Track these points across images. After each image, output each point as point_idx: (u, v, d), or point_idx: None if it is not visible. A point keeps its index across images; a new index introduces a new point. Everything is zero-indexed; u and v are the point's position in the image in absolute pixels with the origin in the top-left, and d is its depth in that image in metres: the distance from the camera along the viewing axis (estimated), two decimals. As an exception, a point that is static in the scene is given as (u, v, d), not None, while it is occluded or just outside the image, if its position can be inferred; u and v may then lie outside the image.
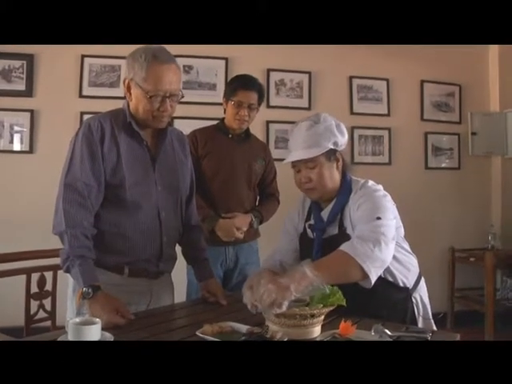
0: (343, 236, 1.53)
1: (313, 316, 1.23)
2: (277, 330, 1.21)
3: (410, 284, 1.61)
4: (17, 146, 3.43)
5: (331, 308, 1.26)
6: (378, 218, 1.46)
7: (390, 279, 1.56)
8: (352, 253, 1.36)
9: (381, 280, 1.46)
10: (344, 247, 1.40)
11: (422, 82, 4.11)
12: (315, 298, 1.26)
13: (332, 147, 1.59)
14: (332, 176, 1.60)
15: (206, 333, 1.23)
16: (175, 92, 1.53)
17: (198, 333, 1.24)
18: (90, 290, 1.39)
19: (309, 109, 3.76)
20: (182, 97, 1.58)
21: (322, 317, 1.28)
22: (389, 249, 1.42)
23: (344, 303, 1.25)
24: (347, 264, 1.36)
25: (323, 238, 1.60)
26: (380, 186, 1.63)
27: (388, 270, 1.52)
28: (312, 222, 1.67)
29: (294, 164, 1.61)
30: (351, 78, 3.95)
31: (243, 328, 1.24)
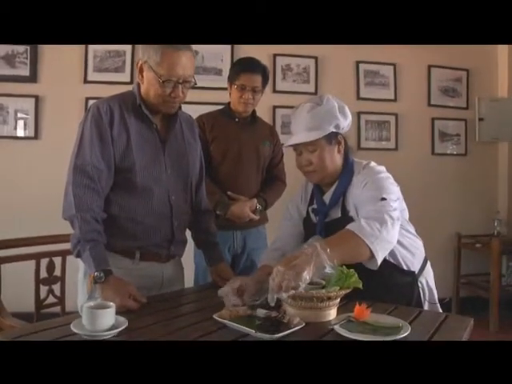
0: (346, 219, 1.51)
1: (329, 298, 1.22)
2: (294, 314, 1.20)
3: (415, 268, 1.60)
4: (21, 132, 3.41)
5: (348, 290, 1.25)
6: (383, 199, 1.44)
7: (394, 263, 1.55)
8: (359, 232, 1.34)
9: (385, 263, 1.44)
10: (351, 227, 1.38)
11: (430, 66, 4.07)
12: (332, 280, 1.25)
13: (333, 130, 1.56)
14: (333, 159, 1.58)
15: (224, 317, 1.22)
16: (188, 78, 1.52)
17: (215, 316, 1.23)
18: (101, 274, 1.38)
19: (315, 94, 3.72)
20: (195, 84, 1.55)
21: (338, 299, 1.27)
22: (395, 229, 1.40)
23: (360, 286, 1.24)
24: (355, 243, 1.34)
25: (326, 222, 1.59)
26: (383, 168, 1.60)
27: (392, 254, 1.51)
28: (315, 206, 1.66)
29: (295, 147, 1.59)
30: (358, 62, 3.91)
31: (262, 312, 1.23)
